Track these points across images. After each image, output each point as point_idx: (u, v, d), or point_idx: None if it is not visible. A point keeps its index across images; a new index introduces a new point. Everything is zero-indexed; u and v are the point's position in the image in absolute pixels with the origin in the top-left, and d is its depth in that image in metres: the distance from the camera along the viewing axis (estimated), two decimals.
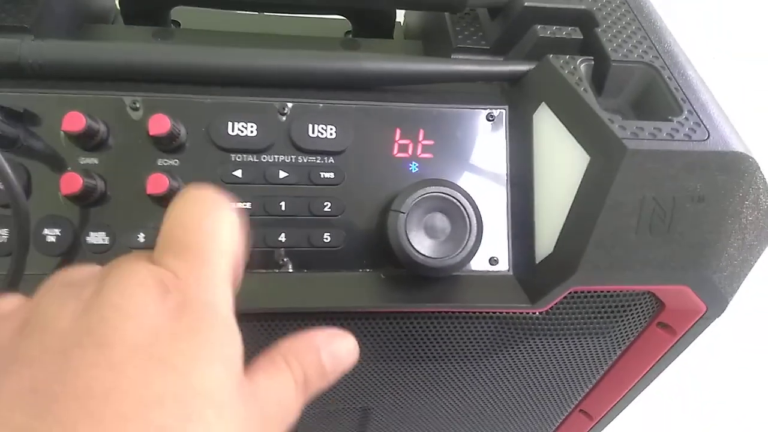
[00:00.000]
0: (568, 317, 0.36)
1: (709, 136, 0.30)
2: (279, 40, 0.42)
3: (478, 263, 0.33)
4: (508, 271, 0.34)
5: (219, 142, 0.31)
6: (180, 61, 0.32)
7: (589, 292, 0.34)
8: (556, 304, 0.34)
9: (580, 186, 0.31)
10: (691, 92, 0.32)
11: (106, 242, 0.30)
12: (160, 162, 0.31)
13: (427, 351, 0.37)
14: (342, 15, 0.46)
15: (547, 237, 0.32)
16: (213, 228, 0.21)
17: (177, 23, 0.46)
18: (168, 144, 0.31)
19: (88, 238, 0.30)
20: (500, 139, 0.35)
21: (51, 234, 0.30)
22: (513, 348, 0.38)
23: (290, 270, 0.32)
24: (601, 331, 0.37)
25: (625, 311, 0.36)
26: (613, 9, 0.36)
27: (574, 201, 0.31)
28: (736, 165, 0.30)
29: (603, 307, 0.36)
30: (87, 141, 0.30)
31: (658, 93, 0.33)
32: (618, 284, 0.33)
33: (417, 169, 0.33)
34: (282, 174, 0.32)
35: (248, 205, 0.32)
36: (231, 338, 0.19)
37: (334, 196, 0.32)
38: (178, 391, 0.17)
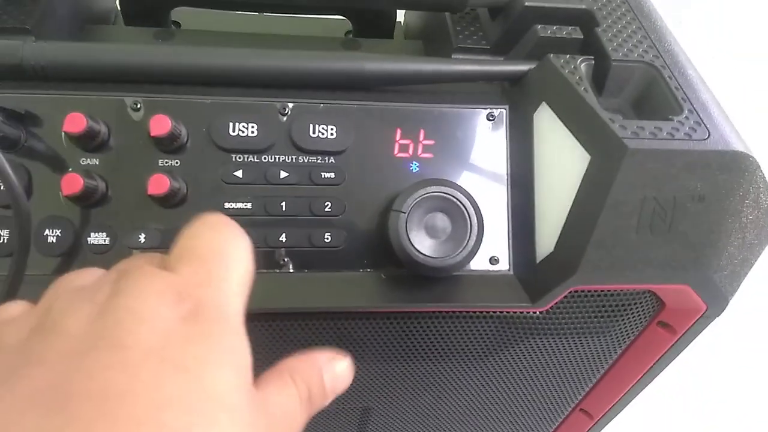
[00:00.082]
0: (569, 317, 0.36)
1: (709, 135, 0.30)
2: (279, 41, 0.42)
3: (479, 263, 0.33)
4: (509, 270, 0.34)
5: (220, 143, 0.31)
6: (181, 61, 0.32)
7: (589, 291, 0.34)
8: (556, 303, 0.34)
9: (580, 185, 0.31)
10: (692, 92, 0.32)
11: (107, 243, 0.30)
12: (161, 162, 0.31)
13: (427, 351, 0.37)
14: (342, 15, 0.46)
15: (547, 236, 0.32)
16: (229, 246, 0.22)
17: (177, 24, 0.46)
18: (169, 145, 0.31)
19: (89, 239, 0.30)
20: (501, 139, 0.35)
21: (52, 235, 0.30)
22: (513, 347, 0.38)
23: (291, 270, 0.32)
24: (602, 330, 0.37)
25: (625, 310, 0.36)
26: (613, 8, 0.36)
27: (574, 200, 0.31)
28: (737, 164, 0.30)
29: (603, 307, 0.36)
30: (88, 142, 0.30)
31: (658, 92, 0.33)
32: (618, 283, 0.33)
33: (417, 168, 0.33)
34: (283, 174, 0.32)
35: (249, 205, 0.32)
36: (241, 347, 0.20)
37: (335, 196, 0.32)
38: (191, 393, 0.17)
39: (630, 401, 0.47)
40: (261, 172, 0.32)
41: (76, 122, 0.29)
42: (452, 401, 0.44)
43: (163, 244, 0.31)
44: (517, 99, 0.35)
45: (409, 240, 0.30)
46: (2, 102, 0.30)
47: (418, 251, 0.30)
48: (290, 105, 0.32)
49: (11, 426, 0.15)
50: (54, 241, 0.30)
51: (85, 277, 0.21)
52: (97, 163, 0.31)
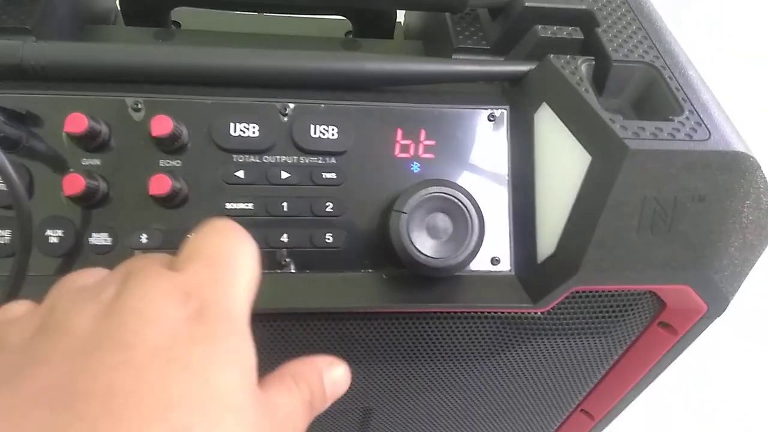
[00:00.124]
0: (570, 317, 0.36)
1: (710, 135, 0.30)
2: (279, 41, 0.42)
3: (480, 263, 0.33)
4: (510, 271, 0.34)
5: (221, 143, 0.31)
6: (181, 62, 0.32)
7: (590, 291, 0.34)
8: (557, 303, 0.34)
9: (581, 186, 0.31)
10: (692, 92, 0.33)
11: (109, 243, 0.30)
12: (162, 163, 0.31)
13: (428, 351, 0.37)
14: (342, 15, 0.46)
15: (548, 237, 0.32)
16: (236, 250, 0.22)
17: (177, 24, 0.46)
18: (170, 145, 0.31)
19: (90, 239, 0.30)
20: (501, 139, 0.35)
21: (53, 235, 0.30)
22: (514, 348, 0.38)
23: (292, 270, 0.32)
24: (603, 330, 0.37)
25: (626, 311, 0.36)
26: (613, 9, 0.36)
27: (575, 201, 0.31)
28: (737, 164, 0.30)
29: (604, 307, 0.36)
30: (89, 142, 0.30)
31: (659, 93, 0.33)
32: (619, 284, 0.33)
33: (418, 169, 0.33)
34: (284, 174, 0.32)
35: (250, 205, 0.32)
36: (246, 348, 0.20)
37: (336, 197, 0.32)
38: (196, 393, 0.17)
39: (631, 402, 0.47)
40: (262, 172, 0.32)
41: (77, 122, 0.29)
42: (453, 402, 0.44)
43: (164, 244, 0.31)
44: (517, 99, 0.35)
45: (411, 240, 0.30)
46: (3, 102, 0.30)
47: (419, 252, 0.30)
48: (291, 105, 0.32)
49: (16, 425, 0.15)
50: (56, 241, 0.30)
51: (88, 277, 0.21)
52: (99, 163, 0.31)
